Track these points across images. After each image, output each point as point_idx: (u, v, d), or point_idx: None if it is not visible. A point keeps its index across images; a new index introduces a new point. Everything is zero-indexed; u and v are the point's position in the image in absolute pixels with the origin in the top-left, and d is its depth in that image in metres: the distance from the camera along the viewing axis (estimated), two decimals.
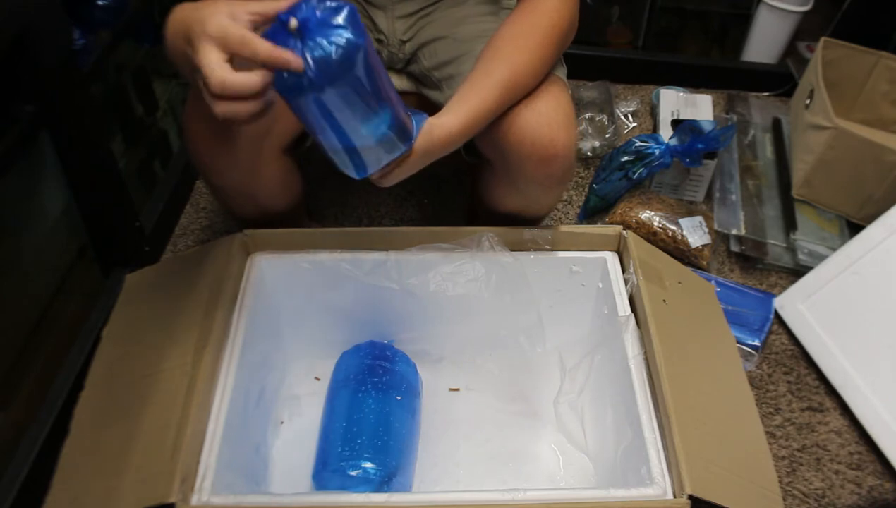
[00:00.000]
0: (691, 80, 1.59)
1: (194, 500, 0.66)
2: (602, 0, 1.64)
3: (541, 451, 0.92)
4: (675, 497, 0.67)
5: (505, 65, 0.78)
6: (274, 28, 0.58)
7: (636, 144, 1.26)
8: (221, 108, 0.58)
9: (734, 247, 1.23)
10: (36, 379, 0.91)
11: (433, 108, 0.96)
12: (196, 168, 0.83)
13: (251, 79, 0.57)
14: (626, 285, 0.87)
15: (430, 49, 0.95)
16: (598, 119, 1.44)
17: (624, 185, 1.28)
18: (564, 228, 0.90)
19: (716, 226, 1.24)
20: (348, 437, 0.83)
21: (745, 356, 1.07)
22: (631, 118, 1.53)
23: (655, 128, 1.44)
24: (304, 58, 0.56)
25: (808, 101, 1.29)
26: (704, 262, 1.21)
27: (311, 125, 0.63)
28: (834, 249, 1.14)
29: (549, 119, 0.80)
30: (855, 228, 1.20)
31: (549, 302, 0.93)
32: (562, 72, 0.89)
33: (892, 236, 1.05)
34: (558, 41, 0.82)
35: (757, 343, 1.08)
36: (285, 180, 0.94)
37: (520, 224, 0.91)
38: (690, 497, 0.65)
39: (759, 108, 1.50)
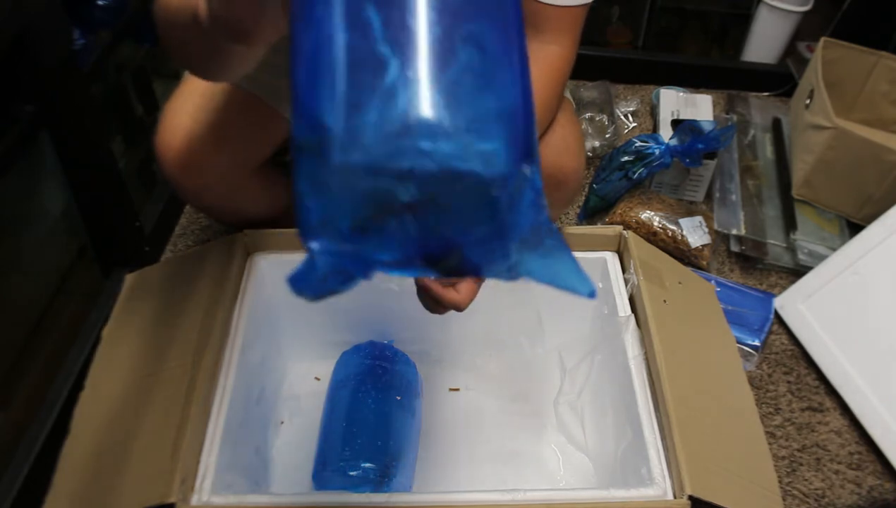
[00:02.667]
0: (691, 80, 1.59)
1: (194, 500, 0.66)
2: (602, 0, 1.64)
3: (541, 451, 0.92)
4: (675, 497, 0.67)
5: None
6: None
7: (636, 144, 1.26)
8: None
9: (734, 247, 1.23)
10: (36, 379, 0.91)
11: None
12: (176, 193, 0.84)
13: None
14: (626, 285, 0.87)
15: None
16: (598, 119, 1.44)
17: (624, 185, 1.28)
18: (564, 228, 0.90)
19: (716, 226, 1.24)
20: (348, 437, 0.83)
21: (745, 356, 1.07)
22: (631, 118, 1.53)
23: (655, 128, 1.44)
24: None
25: (808, 101, 1.29)
26: (704, 262, 1.21)
27: None
28: (834, 249, 1.14)
29: (557, 149, 0.82)
30: (855, 228, 1.20)
31: (550, 303, 0.93)
32: (566, 91, 0.90)
33: (891, 236, 1.05)
34: (563, 88, 0.83)
35: (757, 343, 1.08)
36: (267, 193, 0.93)
37: None
38: (690, 497, 0.65)
39: (759, 108, 1.50)
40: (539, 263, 0.33)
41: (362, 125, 0.29)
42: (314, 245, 0.32)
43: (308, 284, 0.33)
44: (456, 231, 0.32)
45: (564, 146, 0.83)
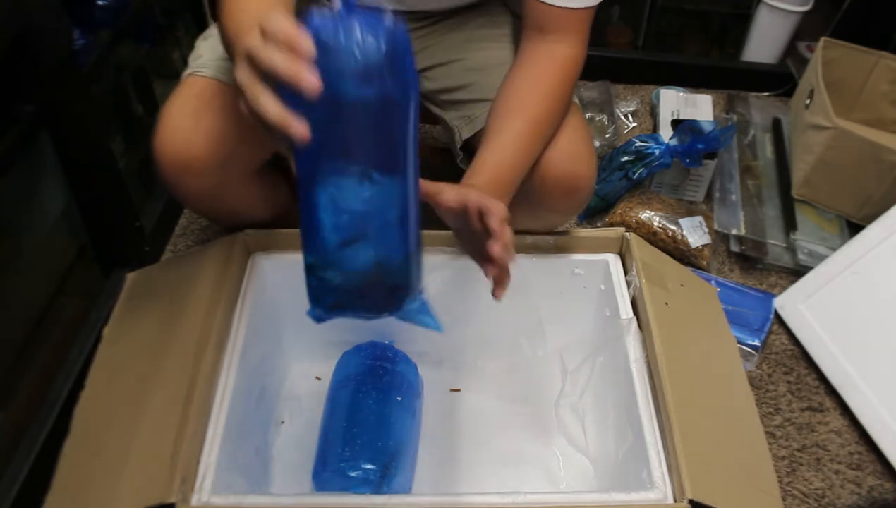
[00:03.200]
0: (691, 80, 1.59)
1: (194, 500, 0.66)
2: (602, 0, 1.63)
3: (541, 453, 0.92)
4: (675, 501, 0.67)
5: (521, 121, 0.77)
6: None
7: (636, 144, 1.26)
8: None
9: (734, 247, 1.23)
10: (36, 379, 0.91)
11: (433, 120, 0.99)
12: (175, 196, 0.84)
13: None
14: (628, 287, 0.87)
15: (434, 72, 0.94)
16: (598, 119, 1.44)
17: (624, 185, 1.28)
18: (567, 231, 0.90)
19: (716, 226, 1.24)
20: (348, 438, 0.83)
21: (745, 356, 1.07)
22: (631, 118, 1.53)
23: (655, 128, 1.44)
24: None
25: (808, 101, 1.29)
26: (704, 262, 1.21)
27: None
28: (834, 249, 1.14)
29: (569, 153, 0.81)
30: (855, 228, 1.20)
31: (551, 305, 0.93)
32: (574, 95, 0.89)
33: (891, 236, 1.05)
34: (571, 88, 0.82)
35: (757, 343, 1.08)
36: (266, 196, 0.93)
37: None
38: (691, 501, 0.65)
39: (759, 108, 1.50)
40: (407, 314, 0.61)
41: (333, 265, 0.55)
42: (314, 312, 0.59)
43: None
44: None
45: (576, 151, 0.81)
